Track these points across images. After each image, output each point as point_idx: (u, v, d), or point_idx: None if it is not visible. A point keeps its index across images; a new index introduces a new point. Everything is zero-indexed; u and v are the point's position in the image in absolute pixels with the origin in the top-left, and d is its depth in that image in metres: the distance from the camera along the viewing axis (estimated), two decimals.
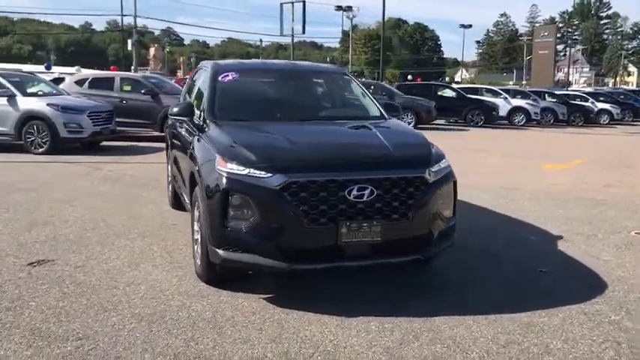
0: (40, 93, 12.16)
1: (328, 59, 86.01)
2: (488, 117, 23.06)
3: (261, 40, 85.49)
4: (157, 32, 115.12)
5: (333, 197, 3.68)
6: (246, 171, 3.74)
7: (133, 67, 44.20)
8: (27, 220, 5.95)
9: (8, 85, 11.42)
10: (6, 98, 11.24)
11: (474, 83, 56.59)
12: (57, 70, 30.64)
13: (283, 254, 3.70)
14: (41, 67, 34.06)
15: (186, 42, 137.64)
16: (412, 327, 3.57)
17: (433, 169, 4.07)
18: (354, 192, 3.70)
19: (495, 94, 26.01)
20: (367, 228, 3.74)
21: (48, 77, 17.89)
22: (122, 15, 48.56)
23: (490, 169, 10.77)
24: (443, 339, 3.42)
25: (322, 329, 3.52)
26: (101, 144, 12.79)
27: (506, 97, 25.23)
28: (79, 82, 15.05)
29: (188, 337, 3.35)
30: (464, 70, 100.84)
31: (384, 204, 3.78)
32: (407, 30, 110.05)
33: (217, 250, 3.81)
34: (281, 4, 39.23)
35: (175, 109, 5.01)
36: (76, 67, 33.49)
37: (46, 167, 9.73)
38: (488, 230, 6.08)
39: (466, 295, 4.17)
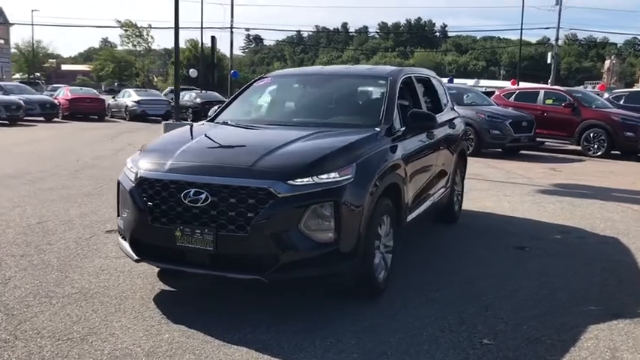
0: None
1: None
2: None
3: None
4: (619, 44, 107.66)
5: (172, 199, 3.80)
6: (129, 165, 4.23)
7: (550, 80, 43.50)
8: None
9: None
10: None
11: None
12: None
13: (135, 246, 4.05)
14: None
15: None
16: (217, 344, 3.49)
17: (295, 182, 3.64)
18: (190, 196, 3.73)
19: None
20: (200, 235, 3.70)
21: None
22: (522, 29, 49.26)
23: None
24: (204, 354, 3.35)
25: (138, 326, 3.71)
26: (520, 151, 15.14)
27: None
28: (507, 95, 17.23)
29: (42, 298, 4.13)
30: None
31: (220, 212, 3.67)
32: None
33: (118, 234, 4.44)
34: None
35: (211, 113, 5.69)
36: (475, 80, 36.40)
37: None
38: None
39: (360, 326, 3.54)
